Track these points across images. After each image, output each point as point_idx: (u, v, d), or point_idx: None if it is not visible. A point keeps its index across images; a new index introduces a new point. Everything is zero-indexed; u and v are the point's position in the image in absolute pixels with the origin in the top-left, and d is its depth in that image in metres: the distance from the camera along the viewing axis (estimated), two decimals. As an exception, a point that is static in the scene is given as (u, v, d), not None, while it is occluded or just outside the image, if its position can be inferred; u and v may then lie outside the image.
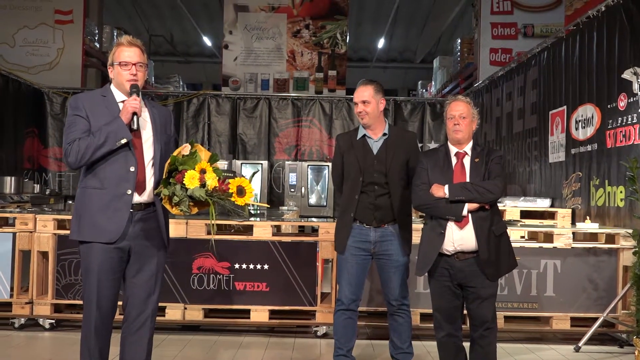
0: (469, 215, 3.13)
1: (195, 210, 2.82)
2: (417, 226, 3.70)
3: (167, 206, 2.80)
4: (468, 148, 3.29)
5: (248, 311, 4.72)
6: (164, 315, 4.64)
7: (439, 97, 12.10)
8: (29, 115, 9.53)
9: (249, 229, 4.87)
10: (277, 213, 6.83)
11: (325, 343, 4.58)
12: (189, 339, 4.63)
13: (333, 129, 10.16)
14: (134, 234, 2.86)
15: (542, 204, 6.30)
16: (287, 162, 9.89)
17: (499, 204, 3.55)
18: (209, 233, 4.71)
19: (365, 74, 16.41)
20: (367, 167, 3.58)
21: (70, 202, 6.92)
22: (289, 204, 9.23)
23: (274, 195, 10.07)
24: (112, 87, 2.95)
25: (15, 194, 7.84)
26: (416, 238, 3.49)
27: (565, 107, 6.16)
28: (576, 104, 5.88)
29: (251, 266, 4.72)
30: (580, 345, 4.48)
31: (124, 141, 2.79)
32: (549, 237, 4.85)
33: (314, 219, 6.55)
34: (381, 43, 16.33)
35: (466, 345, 3.32)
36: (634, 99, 4.82)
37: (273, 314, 4.76)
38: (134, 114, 2.82)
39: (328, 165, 9.52)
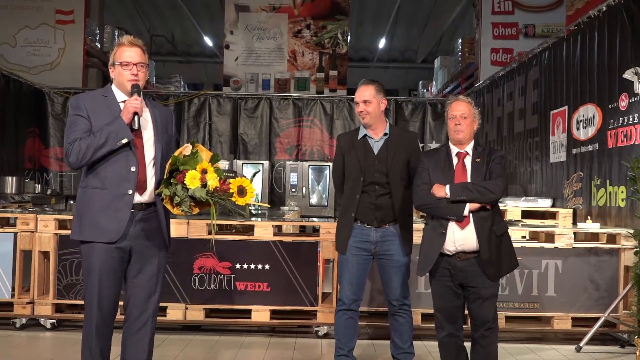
0: (470, 215, 3.13)
1: (196, 210, 2.82)
2: (418, 226, 3.70)
3: (169, 206, 2.80)
4: (469, 148, 3.29)
5: (249, 311, 4.72)
6: (165, 315, 4.64)
7: (440, 97, 12.09)
8: (30, 116, 9.53)
9: (250, 229, 4.87)
10: (278, 213, 6.83)
11: (327, 343, 4.58)
12: (190, 339, 4.63)
13: (334, 129, 10.15)
14: (135, 234, 2.86)
15: (543, 204, 6.29)
16: (288, 162, 9.88)
17: (500, 204, 3.55)
18: (210, 233, 4.71)
19: (366, 74, 16.40)
20: (368, 167, 3.57)
21: (71, 202, 6.92)
22: (290, 204, 9.23)
23: (275, 195, 10.07)
24: (113, 87, 2.95)
25: (16, 194, 7.85)
26: (417, 238, 3.49)
27: (566, 107, 6.15)
28: (577, 104, 5.87)
29: (252, 266, 4.72)
30: (581, 345, 4.48)
31: (124, 141, 2.79)
32: (550, 237, 4.85)
33: (315, 219, 6.55)
34: (382, 43, 16.32)
35: (467, 345, 3.32)
36: (635, 99, 4.81)
37: (274, 314, 4.77)
38: (135, 113, 2.82)
39: (329, 165, 9.51)
